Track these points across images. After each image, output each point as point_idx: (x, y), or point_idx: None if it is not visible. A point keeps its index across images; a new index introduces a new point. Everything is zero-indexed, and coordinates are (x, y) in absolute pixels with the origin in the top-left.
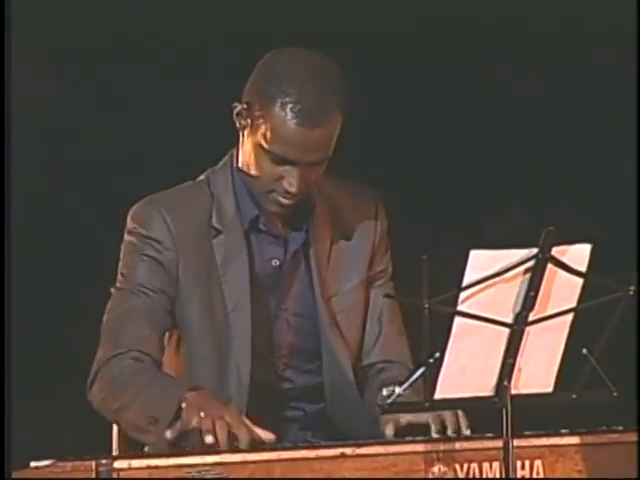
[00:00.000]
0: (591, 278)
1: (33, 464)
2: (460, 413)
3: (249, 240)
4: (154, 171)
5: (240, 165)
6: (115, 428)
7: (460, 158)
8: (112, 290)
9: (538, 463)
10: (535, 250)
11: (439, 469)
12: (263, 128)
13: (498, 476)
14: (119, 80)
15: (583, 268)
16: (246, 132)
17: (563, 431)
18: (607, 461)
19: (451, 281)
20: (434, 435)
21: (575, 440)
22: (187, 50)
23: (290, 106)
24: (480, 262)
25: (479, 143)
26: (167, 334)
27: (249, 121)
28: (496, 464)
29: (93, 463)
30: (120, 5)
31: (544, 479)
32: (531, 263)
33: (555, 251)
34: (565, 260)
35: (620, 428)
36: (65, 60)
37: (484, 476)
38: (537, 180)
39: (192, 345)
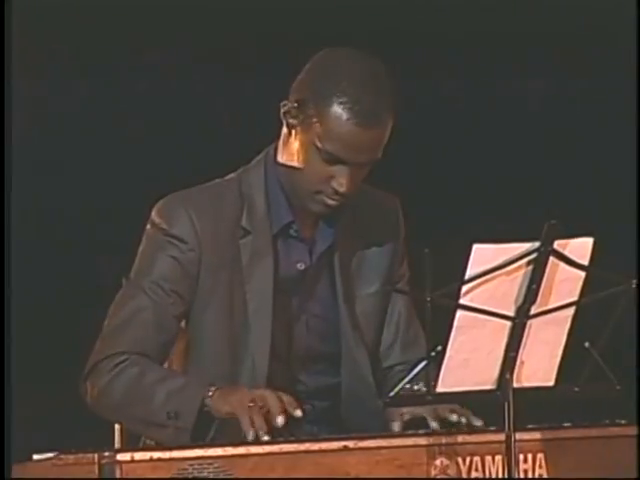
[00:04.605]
0: (593, 271)
1: (35, 457)
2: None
3: (276, 243)
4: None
5: (283, 162)
6: None
7: (461, 157)
8: (124, 280)
9: (540, 456)
10: (537, 243)
11: (441, 462)
12: (317, 126)
13: (500, 469)
14: (126, 79)
15: (585, 261)
16: (295, 131)
17: (565, 424)
18: (610, 454)
19: (454, 275)
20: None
21: (577, 433)
22: (207, 49)
23: (349, 105)
24: (483, 256)
25: (480, 143)
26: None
27: (300, 119)
28: (498, 457)
29: (96, 456)
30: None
31: (547, 479)
32: (533, 256)
33: (557, 244)
34: (567, 253)
35: (623, 421)
36: (77, 58)
37: (486, 469)
38: (537, 180)
39: (204, 345)
